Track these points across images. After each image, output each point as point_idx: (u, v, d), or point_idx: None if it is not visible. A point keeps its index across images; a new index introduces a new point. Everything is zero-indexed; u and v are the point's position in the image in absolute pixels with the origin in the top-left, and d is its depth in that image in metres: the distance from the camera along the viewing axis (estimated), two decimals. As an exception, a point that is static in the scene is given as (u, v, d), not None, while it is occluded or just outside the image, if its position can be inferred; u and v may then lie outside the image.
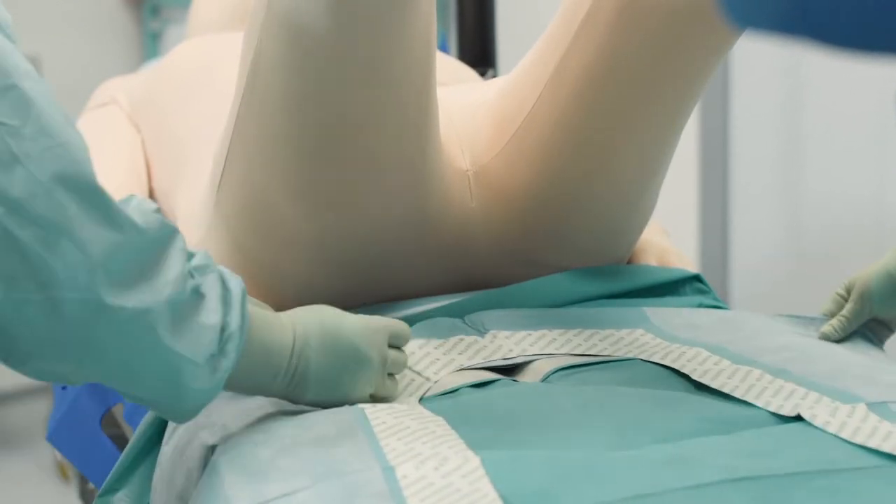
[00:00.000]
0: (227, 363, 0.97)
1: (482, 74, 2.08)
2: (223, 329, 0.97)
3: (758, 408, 1.10)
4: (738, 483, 0.89)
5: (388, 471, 0.93)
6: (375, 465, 0.94)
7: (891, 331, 1.37)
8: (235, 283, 1.00)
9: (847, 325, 1.32)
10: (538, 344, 1.28)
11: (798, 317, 1.39)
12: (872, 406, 1.06)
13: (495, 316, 1.34)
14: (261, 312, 1.06)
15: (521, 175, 1.37)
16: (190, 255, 0.97)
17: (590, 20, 1.28)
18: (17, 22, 0.92)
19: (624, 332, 1.31)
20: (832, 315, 1.34)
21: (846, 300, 1.33)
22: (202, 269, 0.97)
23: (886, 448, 0.97)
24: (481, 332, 1.30)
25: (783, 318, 1.39)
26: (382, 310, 1.34)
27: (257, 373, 1.05)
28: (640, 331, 1.32)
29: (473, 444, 0.98)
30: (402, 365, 1.18)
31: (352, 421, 1.04)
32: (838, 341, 1.32)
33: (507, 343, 1.28)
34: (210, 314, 0.96)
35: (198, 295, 0.96)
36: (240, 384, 1.05)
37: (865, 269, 1.33)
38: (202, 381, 0.96)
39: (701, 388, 1.18)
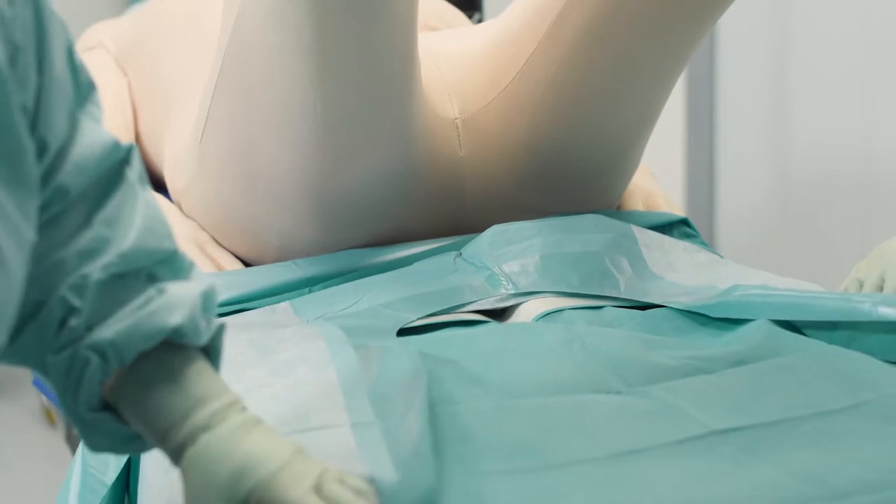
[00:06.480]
0: None
1: (469, 17, 2.07)
2: None
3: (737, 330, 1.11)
4: (726, 434, 0.89)
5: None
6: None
7: None
8: None
9: None
10: (536, 276, 1.28)
11: None
12: None
13: (489, 241, 1.32)
14: None
15: (514, 125, 1.37)
16: None
17: None
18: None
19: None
20: None
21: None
22: None
23: None
24: (478, 268, 1.29)
25: None
26: (368, 254, 1.34)
27: None
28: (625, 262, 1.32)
29: (462, 380, 0.99)
30: None
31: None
32: None
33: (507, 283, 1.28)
34: None
35: None
36: None
37: (877, 261, 1.22)
38: None
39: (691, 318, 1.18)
